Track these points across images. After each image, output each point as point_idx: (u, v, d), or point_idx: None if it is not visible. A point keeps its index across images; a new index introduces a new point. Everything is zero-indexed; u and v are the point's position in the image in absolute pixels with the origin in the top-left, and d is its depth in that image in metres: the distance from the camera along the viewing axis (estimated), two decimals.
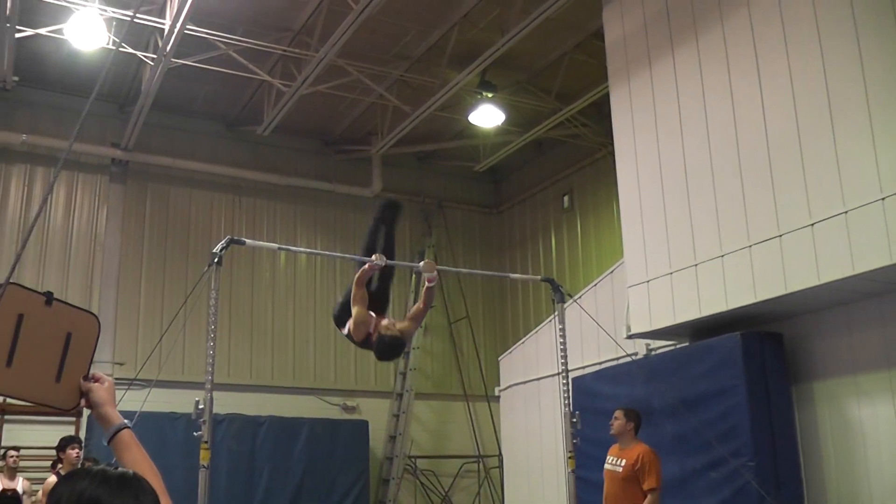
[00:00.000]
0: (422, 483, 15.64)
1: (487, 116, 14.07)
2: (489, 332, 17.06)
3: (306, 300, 15.48)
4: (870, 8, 7.11)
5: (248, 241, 7.73)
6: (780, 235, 7.57)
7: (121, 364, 13.42)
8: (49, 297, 2.34)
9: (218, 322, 7.04)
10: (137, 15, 11.38)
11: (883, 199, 6.71)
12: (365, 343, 6.85)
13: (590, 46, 12.86)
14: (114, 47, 11.49)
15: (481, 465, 15.79)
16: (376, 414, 15.42)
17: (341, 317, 7.00)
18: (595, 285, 11.05)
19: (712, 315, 8.31)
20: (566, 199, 16.05)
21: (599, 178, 15.05)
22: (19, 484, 9.89)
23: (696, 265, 8.47)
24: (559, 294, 8.36)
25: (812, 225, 7.28)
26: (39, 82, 13.89)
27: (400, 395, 15.73)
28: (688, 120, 8.82)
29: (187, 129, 15.17)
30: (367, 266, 6.79)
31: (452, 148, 16.48)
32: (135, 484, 1.59)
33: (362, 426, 14.79)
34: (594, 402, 9.39)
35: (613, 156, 10.27)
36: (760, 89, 7.99)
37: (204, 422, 6.37)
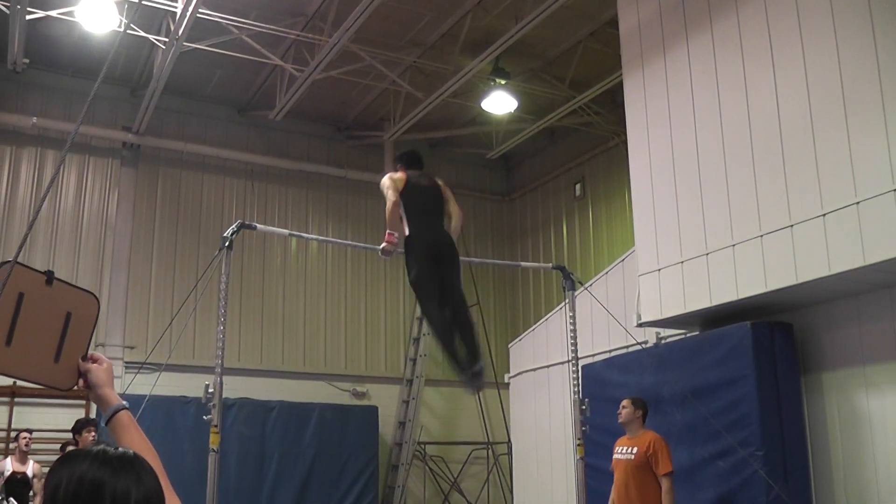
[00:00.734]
0: (431, 469, 15.69)
1: (500, 104, 14.02)
2: (500, 320, 17.07)
3: (317, 285, 15.50)
4: None
5: (258, 225, 7.80)
6: (792, 225, 7.53)
7: (131, 348, 13.49)
8: (49, 277, 2.30)
9: (228, 306, 7.08)
10: None
11: (895, 190, 6.68)
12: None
13: (604, 35, 12.81)
14: (125, 30, 11.49)
15: (490, 451, 15.82)
16: (386, 400, 15.47)
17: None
18: (606, 273, 11.03)
19: (723, 304, 8.29)
20: (578, 187, 16.02)
21: (612, 167, 15.01)
22: (30, 467, 9.89)
23: (707, 254, 8.45)
24: (570, 282, 8.37)
25: (824, 215, 7.24)
26: (50, 65, 13.88)
27: (410, 382, 15.77)
28: (701, 109, 8.78)
29: (199, 113, 15.17)
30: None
31: (465, 135, 16.44)
32: (136, 463, 1.57)
33: (372, 412, 14.82)
34: (604, 390, 9.39)
35: (626, 144, 10.25)
36: (774, 79, 7.94)
37: (214, 406, 6.42)
